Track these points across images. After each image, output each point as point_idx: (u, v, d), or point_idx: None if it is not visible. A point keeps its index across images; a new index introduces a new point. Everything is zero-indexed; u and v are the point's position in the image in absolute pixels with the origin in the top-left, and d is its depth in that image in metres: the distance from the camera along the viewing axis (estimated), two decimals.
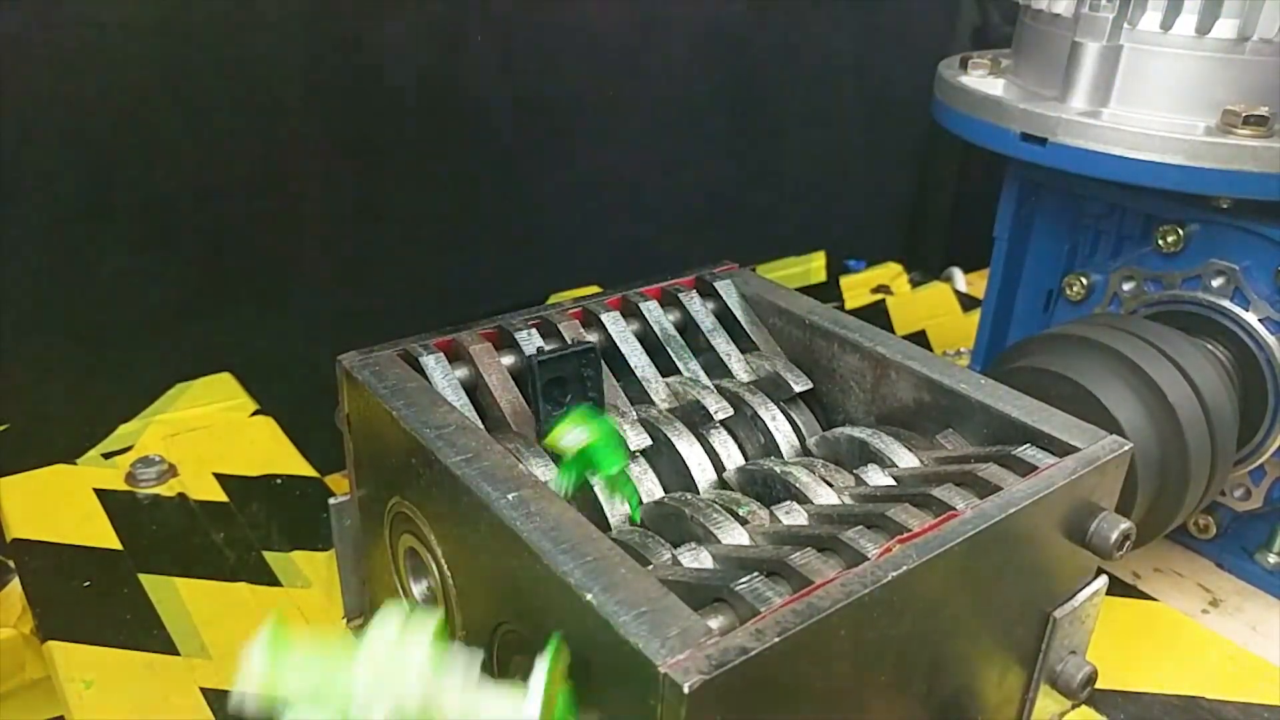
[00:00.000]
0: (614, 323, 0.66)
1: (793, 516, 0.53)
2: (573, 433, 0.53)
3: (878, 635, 0.44)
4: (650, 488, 0.58)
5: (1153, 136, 0.67)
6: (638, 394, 0.64)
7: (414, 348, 0.61)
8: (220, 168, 1.01)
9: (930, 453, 0.58)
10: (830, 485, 0.55)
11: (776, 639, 0.39)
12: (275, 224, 1.07)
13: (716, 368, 0.67)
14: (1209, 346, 0.73)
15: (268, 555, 0.74)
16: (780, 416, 0.63)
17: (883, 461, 0.57)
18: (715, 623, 0.40)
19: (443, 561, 0.53)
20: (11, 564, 0.75)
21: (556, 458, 0.55)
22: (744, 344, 0.69)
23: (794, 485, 0.55)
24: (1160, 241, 0.76)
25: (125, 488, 0.81)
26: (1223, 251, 0.74)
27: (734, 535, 0.51)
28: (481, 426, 0.55)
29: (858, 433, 0.59)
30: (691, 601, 0.41)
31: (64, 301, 0.97)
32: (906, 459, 0.57)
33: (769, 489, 0.57)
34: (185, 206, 1.01)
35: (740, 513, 0.53)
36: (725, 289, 0.71)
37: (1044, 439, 0.54)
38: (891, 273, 1.41)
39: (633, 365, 0.65)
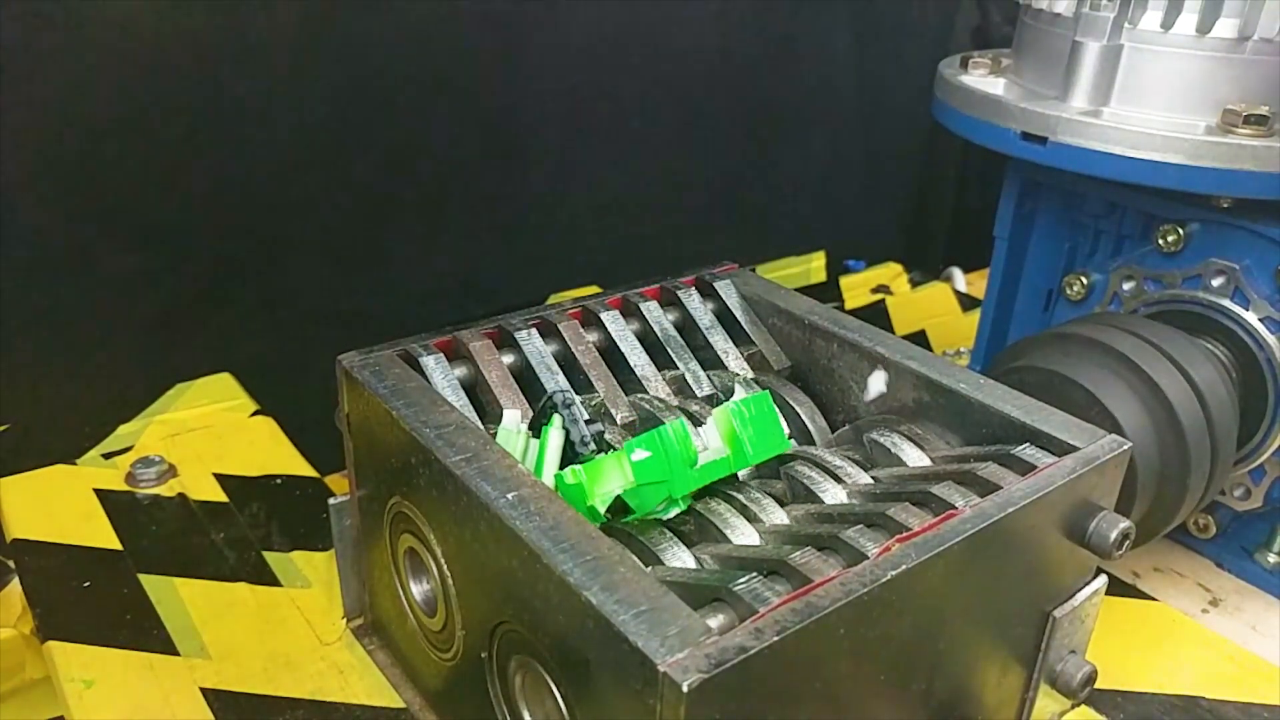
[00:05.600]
0: (614, 322, 0.66)
1: (797, 515, 0.53)
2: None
3: (877, 634, 0.44)
4: None
5: (1153, 136, 0.67)
6: (637, 393, 0.64)
7: (414, 348, 0.61)
8: (220, 168, 1.02)
9: (933, 451, 0.58)
10: (843, 484, 0.55)
11: (775, 638, 0.39)
12: (275, 224, 1.07)
13: (716, 366, 0.67)
14: (1209, 346, 0.73)
15: (268, 555, 0.74)
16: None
17: (900, 463, 0.57)
18: (714, 622, 0.40)
19: (443, 561, 0.53)
20: (11, 564, 0.75)
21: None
22: (744, 343, 0.69)
23: (808, 485, 0.55)
24: (1160, 241, 0.76)
25: (125, 488, 0.81)
26: (1223, 251, 0.74)
27: (745, 535, 0.51)
28: (481, 426, 0.55)
29: (877, 435, 0.59)
30: (691, 601, 0.41)
31: (64, 302, 0.97)
32: (919, 459, 0.57)
33: (786, 485, 0.57)
34: (185, 207, 1.01)
35: (753, 510, 0.53)
36: (725, 289, 0.71)
37: (1043, 438, 0.54)
38: (891, 273, 1.41)
39: (632, 364, 0.65)
